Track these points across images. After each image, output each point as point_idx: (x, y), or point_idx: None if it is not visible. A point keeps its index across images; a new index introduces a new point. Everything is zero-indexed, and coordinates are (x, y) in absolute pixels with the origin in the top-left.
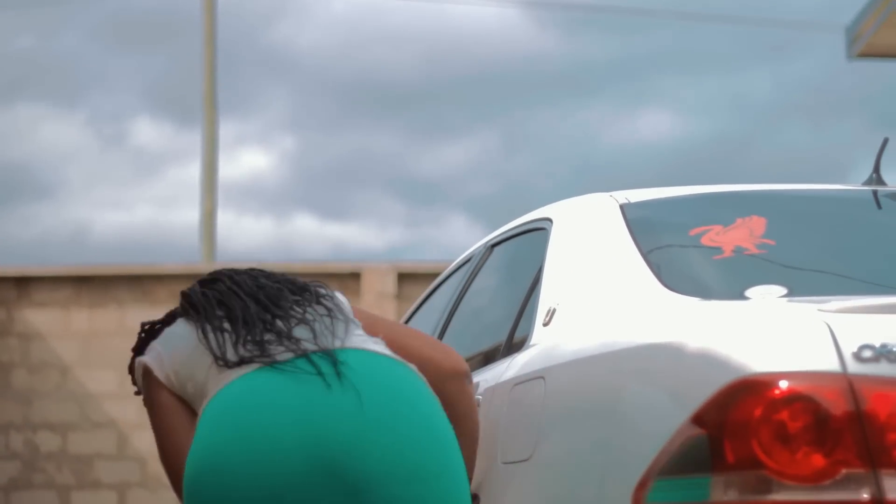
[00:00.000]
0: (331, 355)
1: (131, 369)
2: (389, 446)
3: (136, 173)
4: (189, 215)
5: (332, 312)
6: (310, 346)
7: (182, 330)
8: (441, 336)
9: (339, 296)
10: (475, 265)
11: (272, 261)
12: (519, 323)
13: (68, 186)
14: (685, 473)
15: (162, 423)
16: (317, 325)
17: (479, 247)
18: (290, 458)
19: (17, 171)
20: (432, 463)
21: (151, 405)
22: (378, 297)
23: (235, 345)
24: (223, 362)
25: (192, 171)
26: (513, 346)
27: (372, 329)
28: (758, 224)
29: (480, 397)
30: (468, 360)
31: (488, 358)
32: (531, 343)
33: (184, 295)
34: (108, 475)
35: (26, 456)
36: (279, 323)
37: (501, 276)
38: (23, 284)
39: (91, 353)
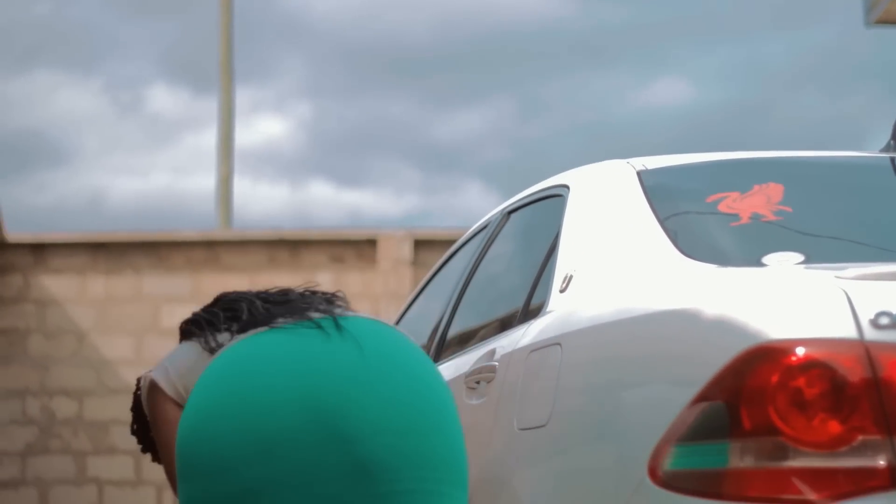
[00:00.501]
0: (333, 316)
1: (134, 407)
2: (386, 397)
3: (153, 140)
4: (205, 182)
5: (344, 305)
6: (313, 315)
7: (187, 345)
8: (457, 303)
9: None
10: (492, 232)
11: (288, 227)
12: (535, 289)
13: (84, 153)
14: (702, 440)
15: (167, 435)
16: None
17: (496, 213)
18: (284, 407)
19: (34, 138)
20: (430, 418)
21: (156, 419)
22: (394, 263)
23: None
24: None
25: (209, 138)
26: (529, 312)
27: None
28: (775, 191)
29: (497, 363)
30: (485, 326)
31: (505, 324)
32: (548, 310)
33: (185, 322)
34: (125, 441)
35: (43, 422)
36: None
37: (518, 243)
38: (39, 251)
39: (107, 319)
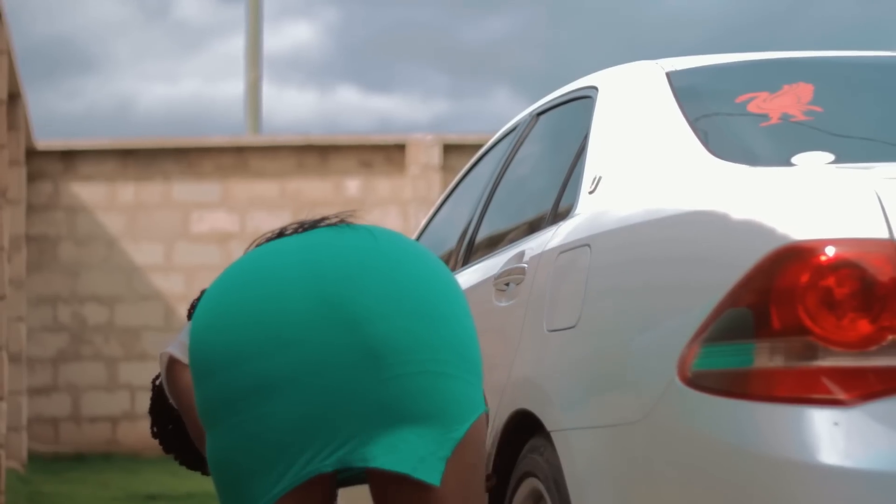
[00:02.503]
0: (346, 221)
1: (152, 411)
2: (395, 280)
3: (181, 46)
4: (234, 88)
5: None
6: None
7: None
8: (486, 207)
9: None
10: (520, 134)
11: (317, 132)
12: (564, 191)
13: (113, 60)
14: (731, 340)
15: (187, 402)
16: None
17: (525, 116)
18: (294, 294)
19: (62, 45)
20: (440, 305)
21: (179, 389)
22: (423, 168)
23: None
24: None
25: (237, 44)
26: (558, 214)
27: None
28: (805, 91)
29: (526, 265)
30: (513, 229)
31: (534, 226)
32: (576, 211)
33: (193, 301)
34: (155, 347)
35: (74, 328)
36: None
37: (547, 145)
38: (69, 158)
39: (137, 225)
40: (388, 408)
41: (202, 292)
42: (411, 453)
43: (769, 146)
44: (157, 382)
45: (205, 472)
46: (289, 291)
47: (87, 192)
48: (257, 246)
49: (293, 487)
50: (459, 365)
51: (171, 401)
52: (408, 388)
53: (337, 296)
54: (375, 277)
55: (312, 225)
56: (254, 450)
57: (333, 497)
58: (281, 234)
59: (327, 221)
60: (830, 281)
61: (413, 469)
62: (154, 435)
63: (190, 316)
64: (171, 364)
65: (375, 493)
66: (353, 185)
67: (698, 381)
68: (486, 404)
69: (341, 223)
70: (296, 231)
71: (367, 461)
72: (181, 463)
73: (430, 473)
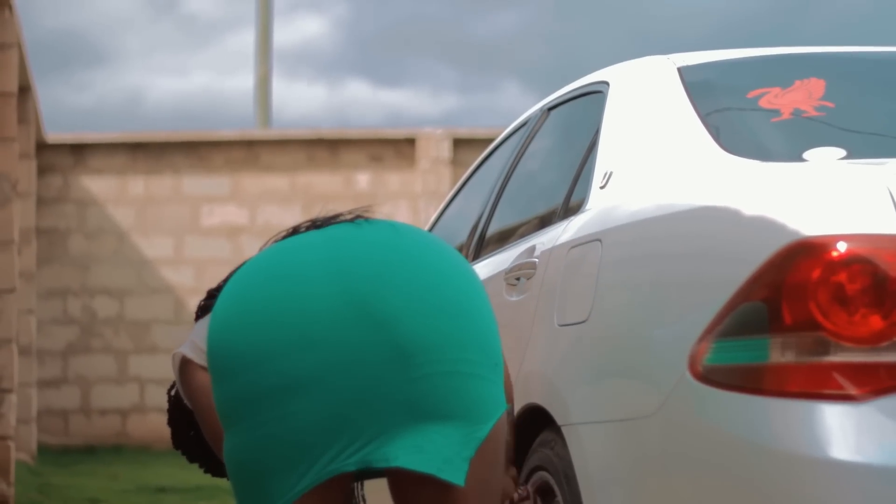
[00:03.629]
0: (364, 216)
1: (171, 422)
2: (421, 277)
3: (191, 40)
4: (244, 82)
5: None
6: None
7: (204, 320)
8: (497, 201)
9: None
10: (531, 129)
11: (328, 126)
12: (575, 186)
13: (123, 53)
14: (743, 335)
15: (202, 401)
16: None
17: (536, 110)
18: (315, 290)
19: (72, 38)
20: (465, 302)
21: (193, 390)
22: (433, 162)
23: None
24: None
25: (247, 38)
26: (569, 209)
27: None
28: (817, 86)
29: (537, 260)
30: (524, 223)
31: (544, 221)
32: (587, 206)
33: (200, 301)
34: (165, 339)
35: (84, 321)
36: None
37: (558, 140)
38: (79, 151)
39: (147, 219)
40: (414, 407)
41: (208, 292)
42: (436, 454)
43: (781, 141)
44: (173, 392)
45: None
46: (314, 289)
47: (98, 185)
48: (274, 243)
49: (314, 486)
50: (485, 364)
51: (186, 402)
52: (436, 388)
53: (363, 294)
54: (401, 274)
55: (326, 222)
56: (276, 449)
57: (352, 493)
58: (295, 231)
59: (342, 217)
60: (842, 276)
61: (439, 470)
62: (175, 445)
63: (198, 317)
64: (185, 364)
65: (395, 492)
66: (363, 179)
67: (709, 376)
68: (510, 401)
69: (357, 219)
70: (309, 229)
71: (391, 461)
72: (206, 471)
73: (455, 474)
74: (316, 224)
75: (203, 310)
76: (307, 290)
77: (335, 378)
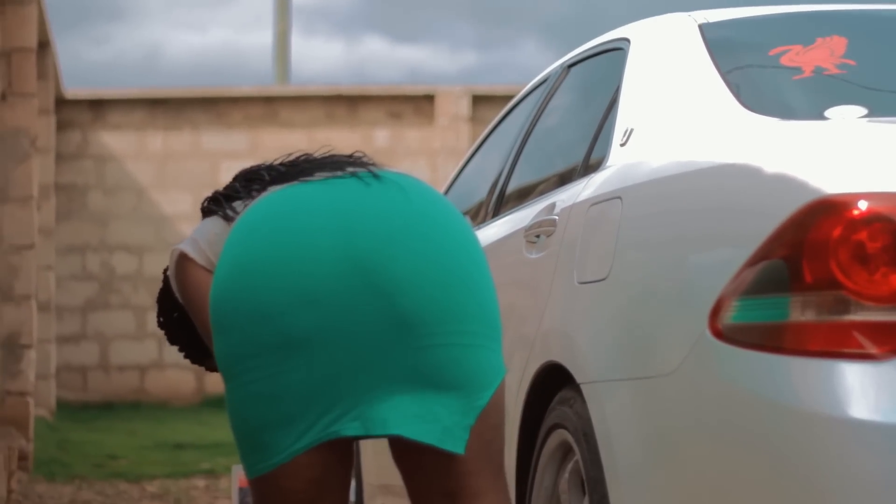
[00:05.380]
0: (371, 171)
1: (161, 297)
2: (426, 247)
3: None
4: (262, 38)
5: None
6: (348, 169)
7: (210, 220)
8: (517, 158)
9: None
10: (551, 86)
11: (346, 83)
12: (595, 144)
13: (142, 8)
14: (763, 294)
15: (196, 296)
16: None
17: (556, 67)
18: (321, 252)
19: None
20: (468, 272)
21: (188, 286)
22: (452, 119)
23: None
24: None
25: None
26: (589, 166)
27: None
28: (838, 44)
29: (557, 217)
30: (544, 181)
31: (564, 178)
32: (608, 163)
33: (205, 200)
34: None
35: (103, 277)
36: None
37: (578, 97)
38: (97, 107)
39: (166, 175)
40: (415, 375)
41: (214, 194)
42: (436, 423)
43: (802, 99)
44: (167, 272)
45: (209, 368)
46: (319, 252)
47: (116, 141)
48: (274, 179)
49: (313, 446)
50: (485, 333)
51: (176, 295)
52: (437, 358)
53: (369, 261)
54: (406, 243)
55: (321, 163)
56: (273, 405)
57: (352, 453)
58: (294, 164)
59: (345, 166)
60: (863, 235)
61: (439, 440)
62: (160, 325)
63: (204, 213)
64: (182, 260)
65: (397, 456)
66: (381, 136)
67: (729, 335)
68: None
69: (364, 169)
70: (306, 163)
71: (390, 429)
72: (186, 356)
73: (456, 443)
74: (313, 162)
75: (205, 212)
76: (312, 251)
77: (336, 339)
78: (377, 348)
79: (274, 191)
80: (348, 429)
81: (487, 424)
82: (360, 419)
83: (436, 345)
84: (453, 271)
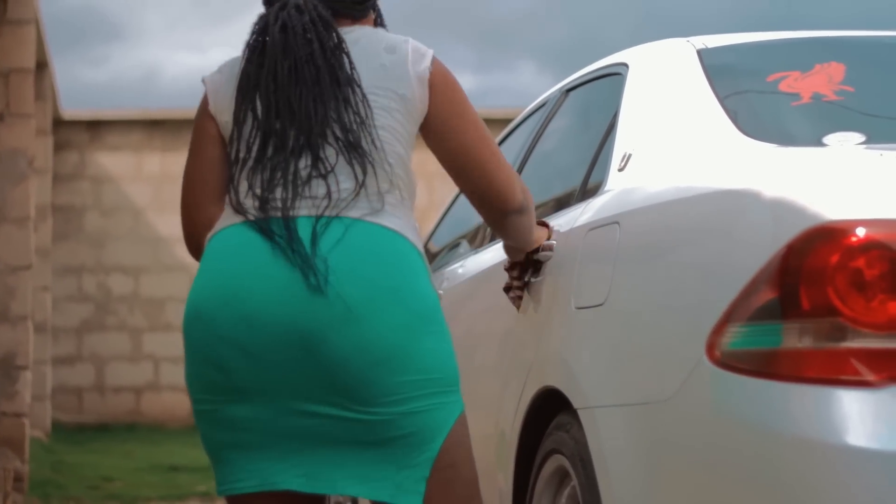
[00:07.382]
0: (316, 245)
1: None
2: (359, 331)
3: (209, 17)
4: None
5: (365, 156)
6: (310, 211)
7: (231, 72)
8: None
9: (401, 67)
10: (550, 110)
11: None
12: (593, 168)
13: (140, 29)
14: (760, 320)
15: (193, 144)
16: (332, 183)
17: (554, 92)
18: (266, 321)
19: (89, 13)
20: (400, 347)
21: (194, 128)
22: None
23: (250, 171)
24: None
25: None
26: (587, 191)
27: (445, 125)
28: (837, 70)
29: (555, 242)
30: (542, 205)
31: (562, 203)
32: (606, 188)
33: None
34: (180, 317)
35: (99, 298)
36: (301, 170)
37: (576, 122)
38: (95, 128)
39: (163, 196)
40: (359, 438)
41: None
42: (387, 480)
43: (800, 126)
44: None
45: None
46: (263, 317)
47: (114, 162)
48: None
49: (260, 492)
50: (425, 395)
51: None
52: (380, 425)
53: (309, 340)
54: (344, 327)
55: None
56: (227, 430)
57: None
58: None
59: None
60: (860, 262)
61: (391, 496)
62: None
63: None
64: (203, 100)
65: None
66: None
67: (726, 361)
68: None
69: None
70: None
71: (340, 489)
72: None
73: (410, 497)
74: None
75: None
76: (258, 316)
77: (275, 397)
78: (320, 417)
79: (234, 224)
80: (291, 483)
81: (445, 464)
82: (306, 476)
83: (375, 413)
84: (387, 350)
